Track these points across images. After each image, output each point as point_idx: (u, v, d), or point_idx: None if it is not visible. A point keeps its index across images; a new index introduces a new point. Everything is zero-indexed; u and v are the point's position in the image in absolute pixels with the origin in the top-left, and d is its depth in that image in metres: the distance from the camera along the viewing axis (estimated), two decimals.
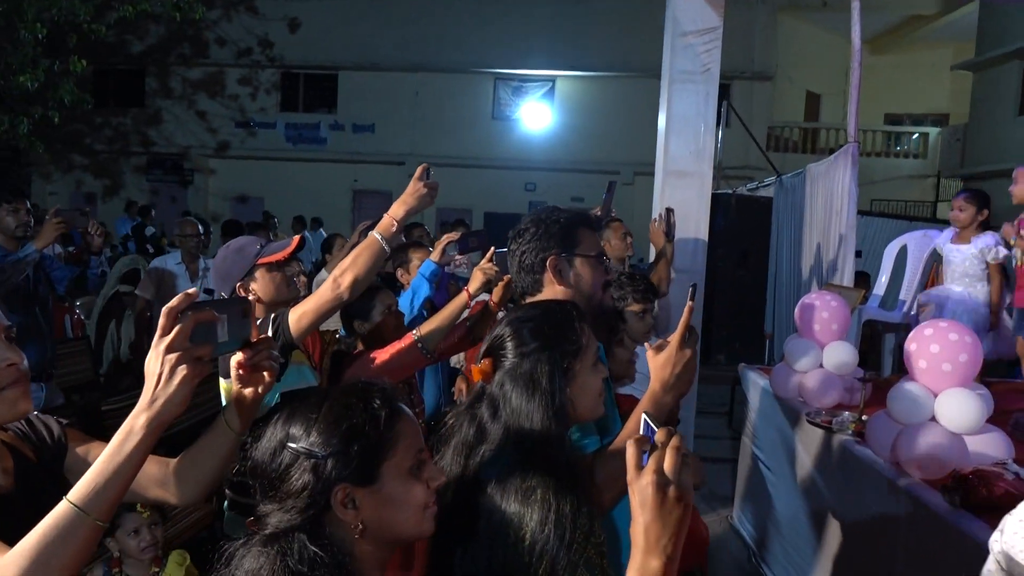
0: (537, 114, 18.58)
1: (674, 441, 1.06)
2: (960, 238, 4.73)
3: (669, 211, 4.59)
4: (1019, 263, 4.22)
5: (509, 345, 1.49)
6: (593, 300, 1.84)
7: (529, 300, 1.89)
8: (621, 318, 2.74)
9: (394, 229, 2.24)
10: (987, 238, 4.61)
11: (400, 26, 17.45)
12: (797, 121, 19.20)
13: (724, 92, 16.13)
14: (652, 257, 4.65)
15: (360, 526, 1.15)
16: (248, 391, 1.37)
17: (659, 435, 1.07)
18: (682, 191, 5.22)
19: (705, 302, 5.20)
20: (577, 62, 17.71)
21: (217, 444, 1.43)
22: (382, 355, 2.62)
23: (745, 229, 6.99)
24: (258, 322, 2.20)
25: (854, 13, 5.37)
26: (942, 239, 4.91)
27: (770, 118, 18.00)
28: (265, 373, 1.35)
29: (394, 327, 2.92)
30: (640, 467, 1.05)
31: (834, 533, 3.40)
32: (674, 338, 1.60)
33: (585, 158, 17.62)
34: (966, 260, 4.67)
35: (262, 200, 17.78)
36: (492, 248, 2.82)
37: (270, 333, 2.15)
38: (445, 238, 3.44)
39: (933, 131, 19.01)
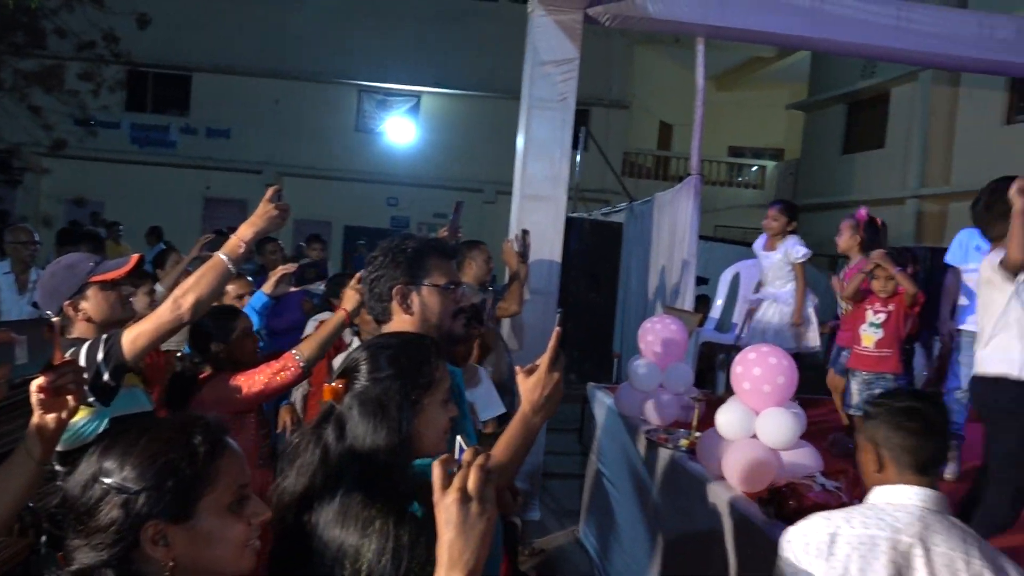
0: (402, 129, 18.53)
1: (479, 460, 1.12)
2: (770, 244, 5.19)
3: (525, 232, 4.71)
4: (844, 311, 4.66)
5: (363, 368, 1.50)
6: (441, 329, 1.87)
7: (382, 328, 1.91)
8: None
9: (241, 250, 2.21)
10: (789, 241, 5.08)
11: (261, 30, 16.94)
12: (651, 149, 20.20)
13: (583, 118, 16.76)
14: (507, 278, 4.76)
15: (171, 564, 1.12)
16: (50, 417, 1.31)
17: (466, 454, 1.14)
18: (538, 214, 5.38)
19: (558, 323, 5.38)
20: (443, 79, 17.83)
21: (16, 474, 1.36)
22: (253, 377, 2.57)
23: (597, 253, 7.28)
24: (86, 343, 2.09)
25: (698, 55, 5.76)
26: (757, 244, 5.36)
27: (626, 145, 18.83)
28: (69, 398, 1.31)
29: (251, 350, 2.87)
30: (445, 486, 1.11)
31: (669, 545, 3.59)
32: (543, 361, 1.68)
33: (449, 175, 17.74)
34: (775, 264, 5.14)
35: (102, 203, 16.66)
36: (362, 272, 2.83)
37: (100, 355, 2.05)
38: (280, 270, 3.39)
39: (770, 164, 20.54)
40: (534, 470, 5.24)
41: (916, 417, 1.77)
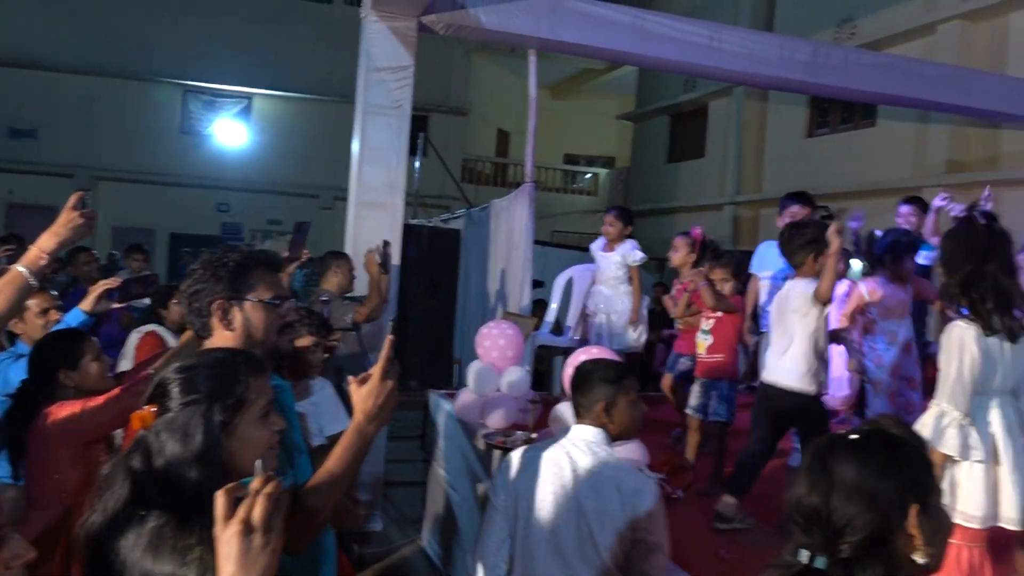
0: (232, 131, 17.70)
1: (268, 488, 1.09)
2: (608, 247, 5.46)
3: (386, 243, 4.74)
4: (681, 327, 4.94)
5: (172, 392, 1.43)
6: (265, 345, 1.81)
7: (203, 344, 1.82)
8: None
9: (43, 262, 2.04)
10: (627, 245, 5.36)
11: (70, 22, 15.62)
12: (489, 156, 20.51)
13: (422, 124, 16.75)
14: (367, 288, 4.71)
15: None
16: None
17: (253, 483, 1.10)
18: (375, 221, 5.33)
19: (397, 330, 5.35)
20: (276, 81, 17.22)
21: None
22: (102, 402, 2.37)
23: (437, 259, 7.30)
24: None
25: (531, 66, 5.93)
26: (595, 246, 5.61)
27: (465, 151, 19.01)
28: None
29: (100, 376, 2.65)
30: (228, 517, 1.07)
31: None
32: (376, 370, 1.66)
33: (284, 180, 17.16)
34: (612, 265, 5.40)
35: None
36: None
37: None
38: (100, 285, 3.16)
39: (603, 172, 21.44)
40: (375, 480, 5.18)
41: None
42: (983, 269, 2.47)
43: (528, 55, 5.94)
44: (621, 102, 20.06)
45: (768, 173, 14.08)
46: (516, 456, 2.37)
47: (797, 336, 3.24)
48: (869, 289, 4.19)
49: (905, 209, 5.24)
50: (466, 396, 4.39)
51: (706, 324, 4.25)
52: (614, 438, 2.27)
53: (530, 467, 2.27)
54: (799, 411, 3.26)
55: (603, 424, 2.24)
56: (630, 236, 5.45)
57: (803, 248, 3.29)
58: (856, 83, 6.38)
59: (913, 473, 1.23)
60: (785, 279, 3.61)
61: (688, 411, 4.23)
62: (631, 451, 3.31)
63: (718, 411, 4.09)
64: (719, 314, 4.20)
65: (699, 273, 4.23)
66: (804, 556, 1.22)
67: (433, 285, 6.99)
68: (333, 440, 2.01)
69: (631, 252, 5.33)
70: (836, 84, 6.36)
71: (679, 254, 4.99)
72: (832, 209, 11.44)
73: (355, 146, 5.43)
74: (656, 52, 5.81)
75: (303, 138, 17.25)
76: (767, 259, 4.72)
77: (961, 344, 2.42)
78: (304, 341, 2.75)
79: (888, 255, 4.12)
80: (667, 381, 4.90)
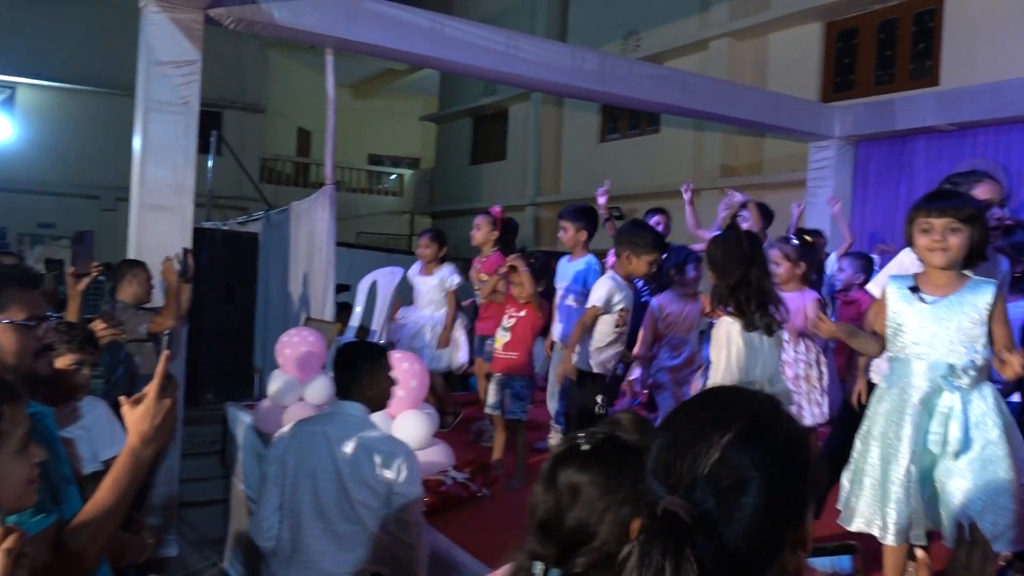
0: None
1: (7, 542, 1.02)
2: (425, 270, 5.44)
3: (187, 251, 4.45)
4: (481, 301, 5.02)
5: None
6: (20, 370, 1.64)
7: None
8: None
9: None
10: (445, 269, 5.38)
11: None
12: (290, 155, 19.83)
13: (215, 120, 15.88)
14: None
15: None
16: None
17: None
18: (161, 225, 4.97)
19: (190, 340, 5.03)
20: (44, 70, 15.59)
21: None
22: None
23: (232, 264, 6.96)
24: None
25: (328, 65, 5.80)
26: (412, 271, 5.58)
27: (263, 150, 18.24)
28: None
29: None
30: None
31: None
32: (151, 388, 1.54)
33: (56, 179, 15.57)
34: (430, 289, 5.39)
35: None
36: None
37: None
38: None
39: (408, 172, 21.43)
40: (168, 501, 4.84)
41: None
42: (748, 274, 2.77)
43: (325, 53, 5.81)
44: (424, 103, 20.14)
45: (566, 175, 14.73)
46: (286, 430, 2.67)
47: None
48: (658, 304, 4.54)
49: (654, 219, 5.68)
50: (267, 407, 4.22)
51: (507, 321, 4.29)
52: (372, 409, 2.60)
53: (297, 440, 2.57)
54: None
55: (362, 399, 2.56)
56: (446, 259, 5.46)
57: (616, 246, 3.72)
58: (639, 93, 6.83)
59: (638, 485, 1.20)
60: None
61: (488, 409, 4.25)
62: (436, 453, 3.35)
63: (512, 409, 4.11)
64: (522, 313, 4.24)
65: (519, 258, 4.23)
66: (538, 569, 1.16)
67: (229, 292, 6.65)
68: (110, 464, 1.86)
69: (449, 277, 5.33)
70: (622, 93, 6.78)
71: (481, 232, 5.10)
72: (622, 209, 12.22)
73: (136, 144, 5.04)
74: (454, 56, 5.88)
75: (78, 134, 15.76)
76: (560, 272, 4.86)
77: (728, 338, 2.68)
78: (65, 361, 2.51)
79: (673, 269, 4.48)
80: (481, 366, 4.97)
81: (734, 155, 11.32)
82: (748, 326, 2.71)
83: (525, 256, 4.36)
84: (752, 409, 0.92)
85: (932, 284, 2.42)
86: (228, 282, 6.55)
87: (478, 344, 5.19)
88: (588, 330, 3.74)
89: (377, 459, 2.45)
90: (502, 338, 4.25)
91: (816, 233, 5.69)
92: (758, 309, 2.73)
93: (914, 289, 2.44)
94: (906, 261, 2.96)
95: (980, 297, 2.35)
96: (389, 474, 2.44)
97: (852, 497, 2.47)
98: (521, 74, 6.24)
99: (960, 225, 2.34)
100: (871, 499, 2.40)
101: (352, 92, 21.11)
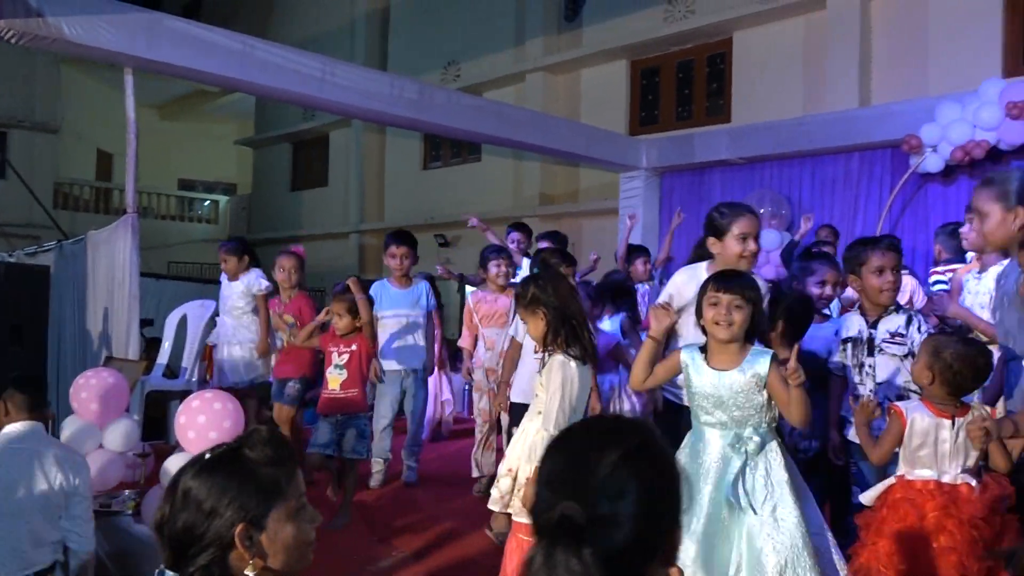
0: None
1: None
2: (233, 276, 5.18)
3: None
4: (284, 344, 4.82)
5: None
6: None
7: None
8: None
9: None
10: (251, 275, 5.16)
11: None
12: (88, 179, 18.30)
13: (1, 141, 14.36)
14: None
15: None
16: None
17: None
18: None
19: None
20: None
21: None
22: None
23: (19, 299, 6.27)
24: None
25: (127, 85, 5.43)
26: (224, 277, 5.30)
27: (58, 174, 16.73)
28: None
29: None
30: None
31: None
32: None
33: None
34: (236, 294, 5.15)
35: None
36: None
37: None
38: None
39: (223, 199, 20.43)
40: None
41: None
42: (570, 309, 2.85)
43: (125, 72, 5.44)
44: (240, 126, 19.35)
45: (389, 202, 14.67)
46: None
47: None
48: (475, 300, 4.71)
49: (516, 236, 5.98)
50: None
51: (339, 358, 4.11)
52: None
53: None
54: None
55: (37, 419, 2.95)
56: (255, 264, 5.23)
57: None
58: (458, 122, 6.95)
59: (243, 492, 1.27)
60: None
61: (314, 449, 4.00)
62: None
63: (358, 449, 3.99)
64: (353, 347, 4.11)
65: (356, 282, 4.25)
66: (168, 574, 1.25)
67: (16, 330, 5.99)
68: None
69: (256, 281, 5.13)
70: (441, 122, 6.86)
71: (284, 273, 4.90)
72: (448, 236, 12.34)
73: None
74: (267, 81, 5.71)
75: None
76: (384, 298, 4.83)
77: (564, 371, 2.73)
78: None
79: (481, 265, 4.74)
80: (284, 412, 4.74)
81: (552, 184, 11.77)
82: (576, 359, 2.79)
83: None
84: (639, 433, 1.05)
85: (717, 356, 2.56)
86: (14, 320, 5.89)
87: (276, 388, 4.89)
88: (515, 363, 3.91)
89: (59, 471, 2.81)
90: (337, 376, 4.08)
91: (641, 250, 6.14)
92: (578, 340, 2.83)
93: (704, 358, 2.59)
94: (679, 280, 3.23)
95: (759, 366, 2.50)
96: (69, 483, 2.83)
97: None
98: (338, 101, 6.17)
99: (744, 303, 2.51)
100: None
101: (159, 113, 19.89)
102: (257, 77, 5.62)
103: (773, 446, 2.53)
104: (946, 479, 2.46)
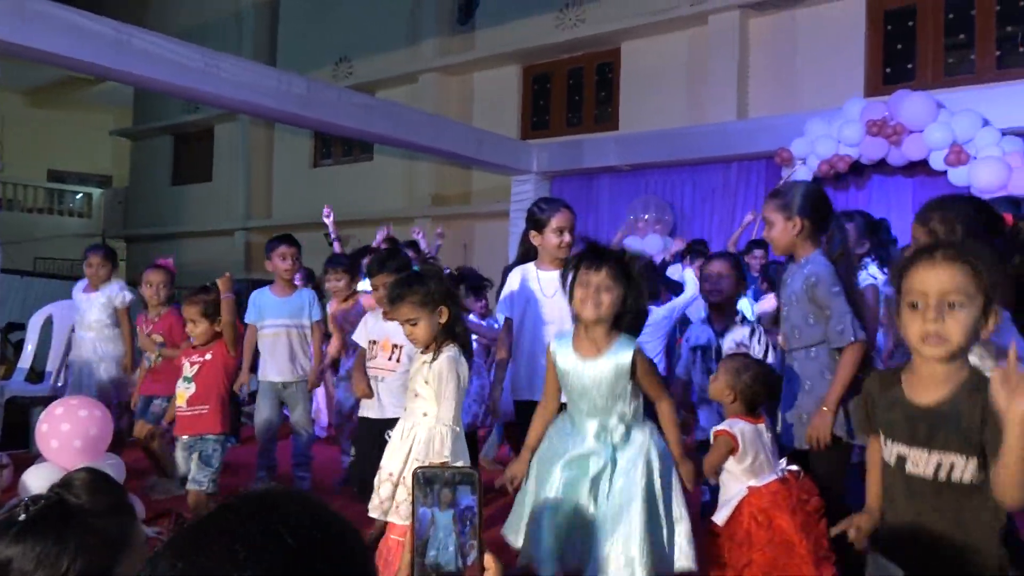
0: None
1: None
2: (90, 288, 4.93)
3: None
4: (154, 363, 4.54)
5: None
6: None
7: None
8: None
9: None
10: (112, 286, 4.92)
11: None
12: None
13: None
14: None
15: None
16: None
17: None
18: None
19: None
20: None
21: None
22: None
23: None
24: None
25: None
26: (77, 289, 5.02)
27: None
28: None
29: None
30: None
31: None
32: None
33: None
34: (96, 308, 4.88)
35: None
36: None
37: None
38: None
39: (97, 191, 19.32)
40: None
41: None
42: (457, 308, 2.88)
43: None
44: (117, 116, 18.35)
45: (277, 200, 14.27)
46: None
47: None
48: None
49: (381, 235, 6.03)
50: None
51: (189, 369, 3.60)
52: None
53: None
54: None
55: None
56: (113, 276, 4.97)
57: None
58: (348, 121, 6.86)
59: (83, 551, 1.10)
60: None
61: (192, 486, 3.50)
62: None
63: (198, 479, 3.44)
64: (207, 356, 3.61)
65: (227, 281, 3.67)
66: None
67: None
68: None
69: (118, 293, 4.86)
70: (330, 120, 6.76)
71: (152, 288, 4.60)
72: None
73: None
74: (145, 71, 5.46)
75: None
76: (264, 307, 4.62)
77: (455, 367, 2.75)
78: None
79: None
80: (144, 430, 4.48)
81: (445, 185, 11.77)
82: (462, 352, 2.83)
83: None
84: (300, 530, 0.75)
85: (582, 342, 2.52)
86: None
87: (141, 405, 4.57)
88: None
89: None
90: (184, 391, 3.57)
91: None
92: (465, 337, 2.87)
93: (574, 348, 2.55)
94: (511, 280, 3.40)
95: (622, 356, 2.46)
96: None
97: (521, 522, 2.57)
98: (221, 94, 5.98)
99: (613, 283, 2.45)
100: (544, 538, 2.47)
101: (27, 99, 18.60)
102: (134, 67, 5.38)
103: (641, 436, 2.51)
104: (778, 475, 2.63)
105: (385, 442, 2.93)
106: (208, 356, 3.57)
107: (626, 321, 2.53)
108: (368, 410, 3.66)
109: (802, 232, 2.82)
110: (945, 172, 6.50)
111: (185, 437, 3.53)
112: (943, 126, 6.44)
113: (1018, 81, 7.32)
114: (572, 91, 10.84)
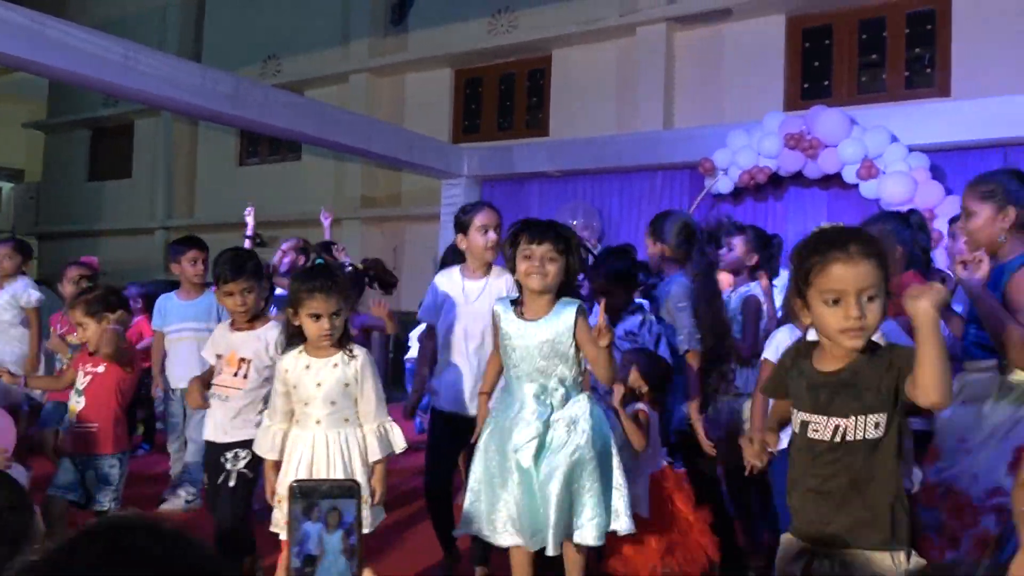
0: None
1: None
2: None
3: None
4: (65, 366, 4.34)
5: None
6: None
7: None
8: None
9: None
10: (18, 284, 4.74)
11: None
12: None
13: None
14: None
15: None
16: None
17: None
18: None
19: None
20: None
21: None
22: None
23: None
24: None
25: None
26: None
27: None
28: None
29: None
30: None
31: None
32: None
33: None
34: (1, 306, 4.70)
35: None
36: None
37: None
38: None
39: (7, 186, 18.44)
40: None
41: None
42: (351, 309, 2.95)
43: None
44: (31, 108, 17.54)
45: (200, 198, 13.90)
46: None
47: None
48: None
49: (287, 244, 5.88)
50: None
51: (81, 379, 3.32)
52: None
53: None
54: None
55: None
56: (25, 272, 4.78)
57: None
58: (275, 120, 6.74)
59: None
60: None
61: (54, 492, 3.21)
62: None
63: (99, 498, 3.21)
64: (100, 368, 3.32)
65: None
66: None
67: None
68: None
69: (24, 291, 4.67)
70: (256, 119, 6.63)
71: (74, 288, 4.43)
72: (264, 237, 11.89)
73: None
74: (61, 63, 5.26)
75: None
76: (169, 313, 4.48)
77: (375, 368, 2.76)
78: None
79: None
80: (48, 437, 4.28)
81: (374, 187, 11.67)
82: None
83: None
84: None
85: (530, 308, 2.63)
86: None
87: (51, 411, 4.35)
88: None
89: None
90: (75, 404, 3.31)
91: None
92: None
93: (518, 312, 2.65)
94: (438, 281, 3.49)
95: (565, 316, 2.57)
96: None
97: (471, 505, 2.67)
98: (142, 89, 5.80)
99: (557, 255, 2.57)
100: (486, 506, 2.62)
101: None
102: (48, 58, 5.17)
103: (582, 401, 2.60)
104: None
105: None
106: (101, 368, 3.31)
107: (567, 290, 2.65)
108: (213, 432, 3.14)
109: (669, 256, 3.48)
110: (857, 185, 6.80)
111: (77, 458, 3.26)
112: (855, 141, 6.74)
113: (925, 100, 7.73)
114: (504, 96, 10.90)
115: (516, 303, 2.68)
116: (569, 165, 8.89)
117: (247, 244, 6.01)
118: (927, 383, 1.62)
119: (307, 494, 0.92)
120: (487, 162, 9.30)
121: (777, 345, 2.76)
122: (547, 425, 2.55)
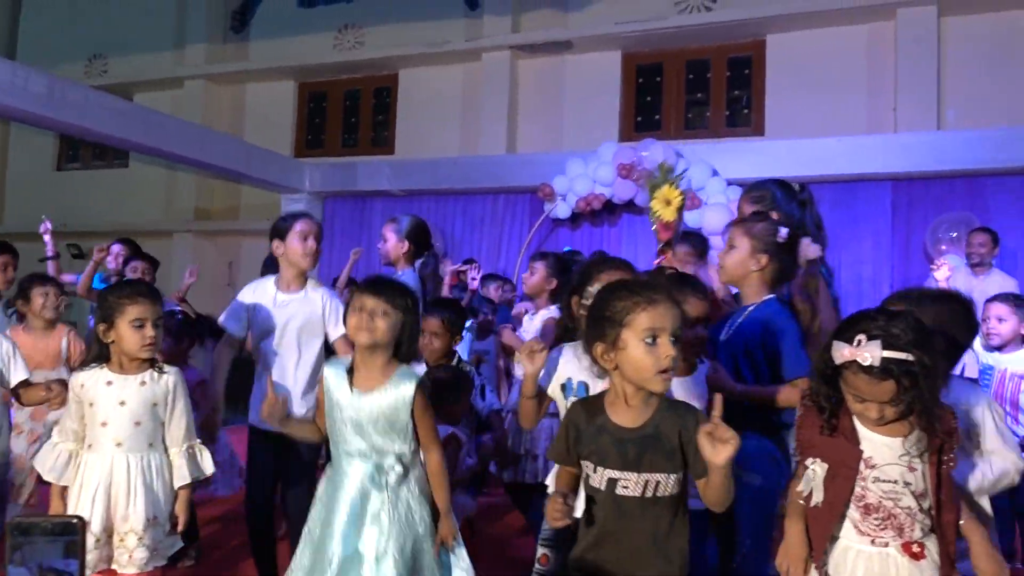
0: None
1: None
2: None
3: None
4: None
5: None
6: None
7: None
8: None
9: None
10: None
11: None
12: None
13: None
14: None
15: None
16: None
17: None
18: None
19: None
20: None
21: None
22: None
23: None
24: None
25: None
26: None
27: None
28: None
29: None
30: None
31: None
32: None
33: None
34: None
35: None
36: None
37: None
38: None
39: None
40: None
41: None
42: None
43: None
44: None
45: (11, 205, 12.73)
46: None
47: None
48: None
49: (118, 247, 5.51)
50: None
51: None
52: None
53: None
54: None
55: None
56: None
57: None
58: (97, 125, 6.32)
59: None
60: None
61: None
62: None
63: None
64: None
65: None
66: None
67: None
68: None
69: None
70: (75, 123, 6.19)
71: None
72: (83, 247, 11.06)
73: None
74: None
75: None
76: None
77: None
78: None
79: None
80: None
81: (209, 198, 11.16)
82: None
83: None
84: None
85: (361, 373, 2.35)
86: None
87: None
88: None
89: None
90: None
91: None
92: None
93: (351, 378, 2.35)
94: (244, 292, 3.36)
95: (404, 388, 2.31)
96: None
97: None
98: None
99: (391, 310, 2.30)
100: None
101: None
102: None
103: (413, 479, 2.36)
104: None
105: None
106: None
107: (404, 350, 2.38)
108: None
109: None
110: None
111: None
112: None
113: (742, 139, 8.39)
114: (349, 112, 10.77)
115: (349, 371, 2.37)
116: (412, 184, 8.92)
117: (50, 266, 5.57)
118: (712, 501, 1.80)
119: (26, 531, 0.85)
120: (329, 178, 9.15)
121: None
122: (375, 517, 2.28)
